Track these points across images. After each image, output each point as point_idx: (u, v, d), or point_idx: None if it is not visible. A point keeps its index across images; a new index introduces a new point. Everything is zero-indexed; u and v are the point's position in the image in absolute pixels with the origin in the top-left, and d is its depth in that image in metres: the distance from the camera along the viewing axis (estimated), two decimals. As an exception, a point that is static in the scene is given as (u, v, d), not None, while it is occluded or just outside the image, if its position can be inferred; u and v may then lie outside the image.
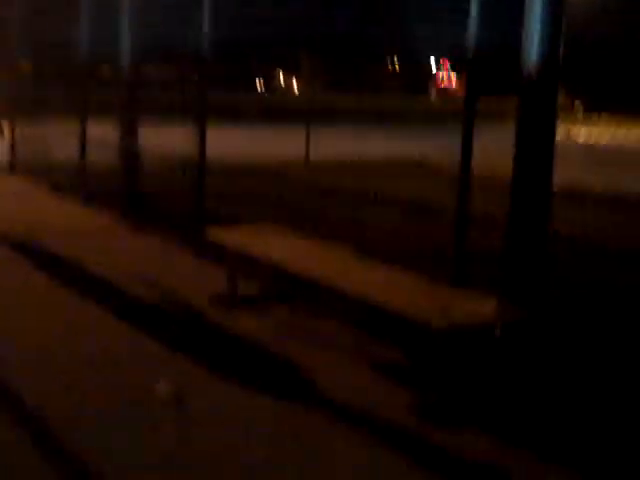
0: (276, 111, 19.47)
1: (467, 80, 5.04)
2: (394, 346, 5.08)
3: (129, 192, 9.30)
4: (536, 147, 4.58)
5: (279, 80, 32.17)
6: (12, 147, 12.76)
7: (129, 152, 9.32)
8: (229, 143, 10.49)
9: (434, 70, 36.61)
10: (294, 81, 31.84)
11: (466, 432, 3.98)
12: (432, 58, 37.45)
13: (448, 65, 36.05)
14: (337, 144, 13.47)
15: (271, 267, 5.63)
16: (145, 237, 8.16)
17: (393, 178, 11.11)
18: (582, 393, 4.35)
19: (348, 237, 6.50)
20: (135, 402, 4.18)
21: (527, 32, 4.45)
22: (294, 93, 30.93)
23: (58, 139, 10.70)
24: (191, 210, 8.02)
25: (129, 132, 9.33)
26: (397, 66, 38.97)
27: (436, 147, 11.02)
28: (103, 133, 9.78)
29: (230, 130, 11.92)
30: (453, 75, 35.73)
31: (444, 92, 34.85)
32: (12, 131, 12.78)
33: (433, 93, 33.25)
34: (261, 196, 9.20)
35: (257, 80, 31.43)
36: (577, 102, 25.90)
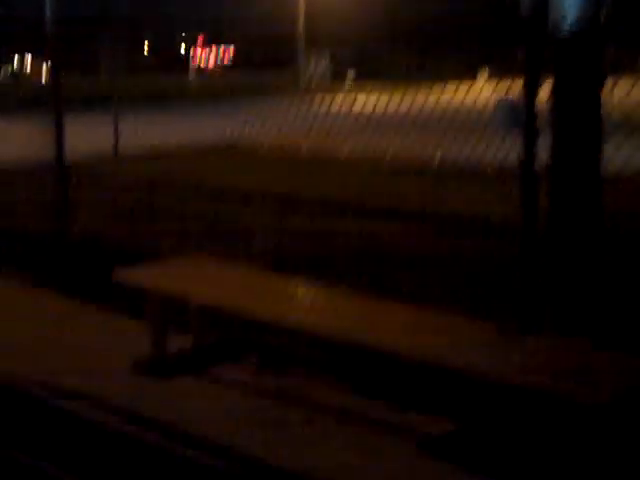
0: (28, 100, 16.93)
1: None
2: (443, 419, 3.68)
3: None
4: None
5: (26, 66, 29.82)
6: None
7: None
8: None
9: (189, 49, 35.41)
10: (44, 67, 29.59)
11: None
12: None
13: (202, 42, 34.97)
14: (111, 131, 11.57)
15: (223, 314, 4.31)
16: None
17: (236, 168, 9.62)
18: None
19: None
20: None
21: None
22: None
23: None
24: (51, 233, 6.21)
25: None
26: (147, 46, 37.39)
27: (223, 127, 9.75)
28: None
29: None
30: (214, 51, 34.62)
31: (201, 70, 33.74)
32: None
33: (191, 73, 31.98)
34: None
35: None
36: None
